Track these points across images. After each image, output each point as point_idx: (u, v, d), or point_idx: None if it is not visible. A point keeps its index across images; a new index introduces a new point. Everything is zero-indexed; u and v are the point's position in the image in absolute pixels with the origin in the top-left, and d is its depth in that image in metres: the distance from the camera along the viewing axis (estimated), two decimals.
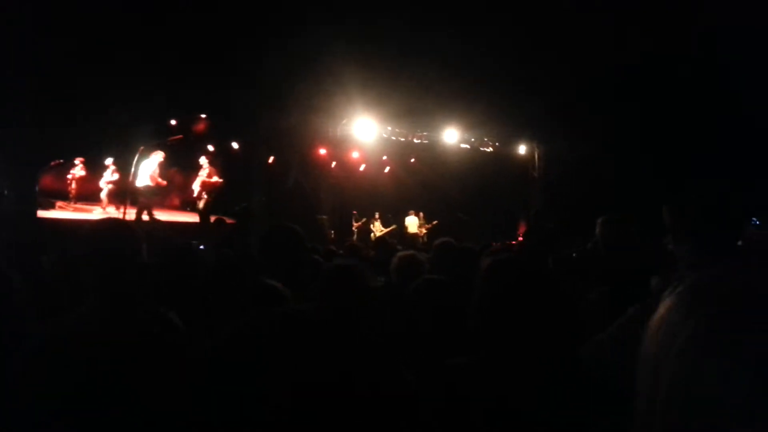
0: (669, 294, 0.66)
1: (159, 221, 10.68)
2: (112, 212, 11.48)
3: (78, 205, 12.18)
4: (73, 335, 1.56)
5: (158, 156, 10.64)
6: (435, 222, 15.38)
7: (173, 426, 1.49)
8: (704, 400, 0.54)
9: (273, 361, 1.23)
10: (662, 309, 0.65)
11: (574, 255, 3.41)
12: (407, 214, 15.59)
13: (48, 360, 1.50)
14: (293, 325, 1.29)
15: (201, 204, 11.75)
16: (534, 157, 17.51)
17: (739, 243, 1.59)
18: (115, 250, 1.65)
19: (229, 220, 9.67)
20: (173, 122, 12.93)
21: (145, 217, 10.42)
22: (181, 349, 1.71)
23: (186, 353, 1.69)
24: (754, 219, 9.22)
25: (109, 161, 12.06)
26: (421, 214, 15.77)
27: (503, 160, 17.15)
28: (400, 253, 3.33)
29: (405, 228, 15.33)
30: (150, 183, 10.42)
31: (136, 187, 10.35)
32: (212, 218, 10.42)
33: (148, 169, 10.45)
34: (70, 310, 1.65)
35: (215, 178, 11.88)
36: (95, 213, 11.71)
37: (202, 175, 11.81)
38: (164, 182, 10.86)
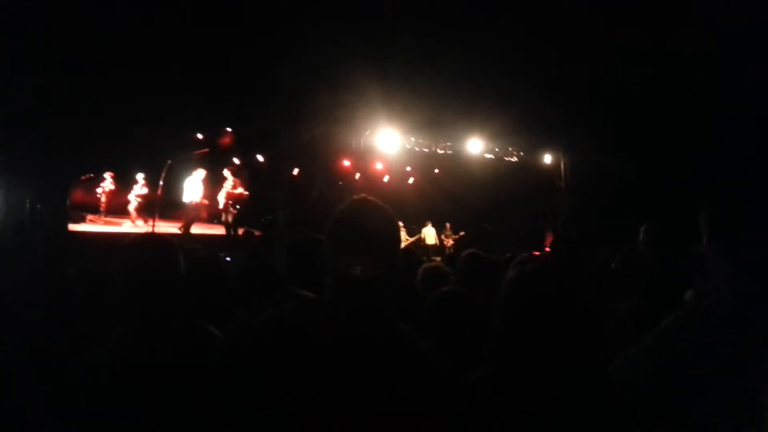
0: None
1: (190, 235, 10.86)
2: (141, 225, 11.67)
3: (108, 219, 12.41)
4: (115, 360, 1.57)
5: (201, 173, 10.91)
6: (462, 233, 15.30)
7: None
8: None
9: (289, 365, 1.21)
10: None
11: (612, 266, 3.33)
12: (424, 225, 15.50)
13: (93, 388, 1.51)
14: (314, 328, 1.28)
15: (227, 217, 11.90)
16: (560, 166, 17.32)
17: None
18: (155, 266, 1.66)
19: (257, 233, 9.75)
20: (200, 136, 13.12)
21: (179, 230, 10.64)
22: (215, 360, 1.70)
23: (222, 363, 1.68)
24: None
25: (139, 176, 12.31)
26: (448, 225, 15.71)
27: (528, 170, 17.00)
28: (425, 265, 3.31)
29: (423, 239, 15.24)
30: (195, 200, 10.70)
31: (183, 202, 10.62)
32: (240, 231, 10.54)
33: (193, 186, 10.73)
34: (97, 326, 1.66)
35: (240, 190, 12.03)
36: (124, 226, 11.93)
37: (227, 187, 11.97)
38: (207, 201, 11.13)
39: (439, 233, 15.77)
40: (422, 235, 15.41)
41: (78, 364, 1.58)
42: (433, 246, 15.14)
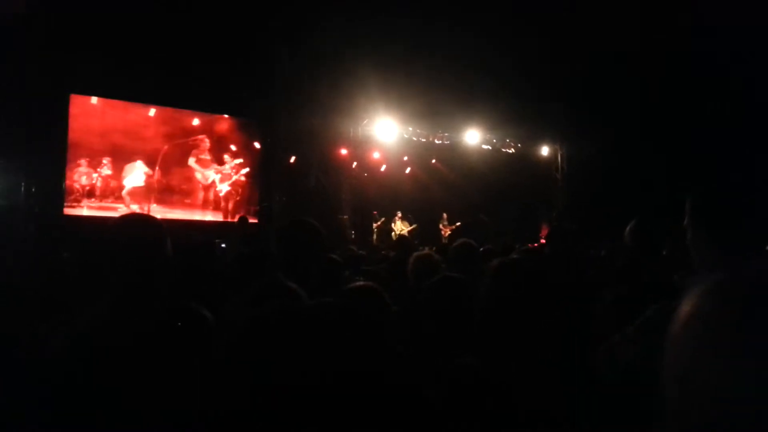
0: (698, 290, 0.62)
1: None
2: (136, 210, 11.66)
3: (103, 203, 12.38)
4: (91, 335, 1.57)
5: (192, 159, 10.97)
6: (458, 224, 15.28)
7: (192, 418, 1.49)
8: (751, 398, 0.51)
9: (280, 356, 1.23)
10: (690, 305, 0.62)
11: (602, 253, 3.34)
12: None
13: (70, 360, 1.51)
14: (298, 320, 1.29)
15: (223, 203, 11.94)
16: (557, 158, 17.34)
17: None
18: (138, 243, 1.65)
19: (252, 219, 9.75)
20: (197, 122, 13.08)
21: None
22: (204, 340, 1.70)
23: (209, 346, 1.69)
24: None
25: (137, 162, 12.28)
26: (445, 215, 15.69)
27: (525, 162, 17.00)
28: (416, 254, 3.32)
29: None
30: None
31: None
32: (236, 217, 10.55)
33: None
34: (87, 306, 1.66)
35: (235, 178, 12.07)
36: (120, 211, 11.91)
37: (224, 174, 12.01)
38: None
39: (436, 223, 15.74)
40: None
41: (56, 336, 1.58)
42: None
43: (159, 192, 12.30)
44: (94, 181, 12.34)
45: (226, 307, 2.20)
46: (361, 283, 1.93)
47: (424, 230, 15.19)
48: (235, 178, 12.76)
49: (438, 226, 15.66)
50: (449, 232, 15.29)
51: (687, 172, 10.78)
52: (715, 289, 0.58)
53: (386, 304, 1.83)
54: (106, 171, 12.34)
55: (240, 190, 13.32)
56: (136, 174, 12.17)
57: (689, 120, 12.21)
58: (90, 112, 11.60)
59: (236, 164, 13.17)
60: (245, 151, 13.59)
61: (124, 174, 12.04)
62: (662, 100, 12.17)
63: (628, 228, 2.47)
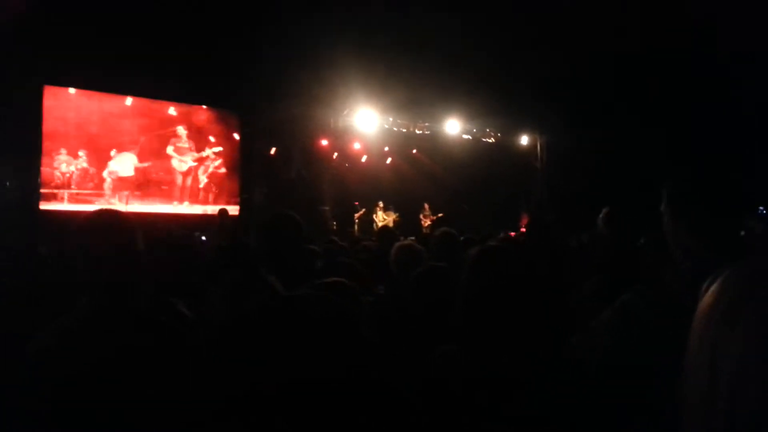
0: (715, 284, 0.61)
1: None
2: (116, 203, 11.52)
3: (81, 195, 12.20)
4: (72, 335, 1.55)
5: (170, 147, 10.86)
6: (440, 215, 15.32)
7: (176, 416, 1.49)
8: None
9: (266, 353, 1.23)
10: (713, 294, 0.61)
11: (584, 240, 3.38)
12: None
13: (51, 363, 1.49)
14: (280, 316, 1.29)
15: (202, 194, 11.88)
16: (536, 147, 17.46)
17: (742, 233, 1.55)
18: (108, 241, 1.63)
19: (232, 212, 9.70)
20: (174, 112, 12.93)
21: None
22: (181, 338, 1.70)
23: (187, 342, 1.68)
24: (762, 208, 8.98)
25: (113, 153, 12.10)
26: (426, 205, 15.72)
27: (505, 151, 17.10)
28: (398, 244, 3.33)
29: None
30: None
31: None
32: (216, 209, 10.49)
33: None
34: (66, 303, 1.64)
35: (212, 169, 12.03)
36: (98, 204, 11.75)
37: (204, 166, 11.94)
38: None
39: (417, 213, 15.77)
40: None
41: (36, 338, 1.56)
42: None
43: (138, 183, 12.18)
44: (70, 174, 12.16)
45: (206, 300, 2.19)
46: (331, 279, 1.94)
47: (405, 221, 15.22)
48: (214, 165, 12.72)
49: (419, 216, 15.70)
50: (429, 223, 15.32)
51: (663, 161, 10.94)
52: (737, 276, 0.59)
53: (357, 296, 1.85)
54: (83, 164, 12.17)
55: (219, 181, 13.22)
56: (125, 164, 12.07)
57: (667, 110, 12.38)
58: (65, 103, 11.40)
59: (216, 152, 13.09)
60: (225, 142, 13.48)
61: (112, 163, 11.90)
62: (641, 91, 12.31)
63: (600, 216, 2.50)
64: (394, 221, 14.53)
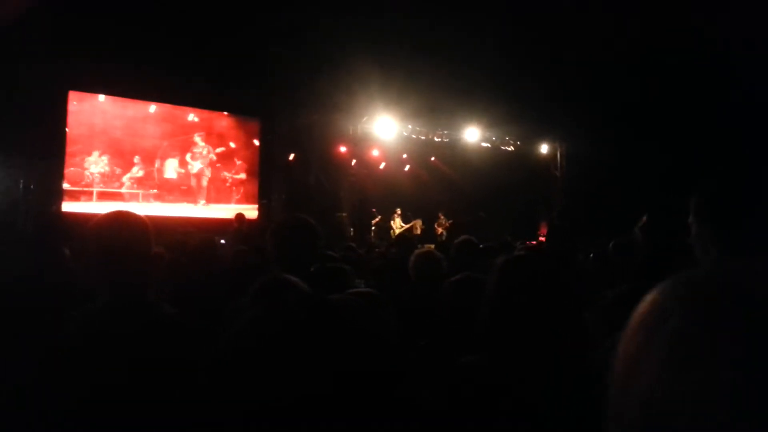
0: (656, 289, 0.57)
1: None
2: (134, 207, 11.68)
3: (103, 200, 12.38)
4: (82, 334, 1.55)
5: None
6: (450, 221, 15.27)
7: (182, 421, 1.48)
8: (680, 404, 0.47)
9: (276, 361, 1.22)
10: (646, 304, 0.57)
11: (611, 248, 3.28)
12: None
13: (59, 361, 1.49)
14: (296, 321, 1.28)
15: (230, 198, 12.11)
16: (556, 156, 17.35)
17: None
18: (121, 242, 1.63)
19: (250, 217, 9.76)
20: (196, 119, 13.09)
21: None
22: (189, 342, 1.68)
23: (194, 347, 1.66)
24: None
25: (136, 159, 12.30)
26: (441, 214, 15.69)
27: (525, 159, 17.02)
28: (417, 251, 3.32)
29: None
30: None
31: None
32: (235, 214, 10.57)
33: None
34: (85, 303, 1.64)
35: (231, 174, 12.21)
36: (120, 206, 11.92)
37: (209, 158, 12.32)
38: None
39: (434, 222, 15.73)
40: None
41: (46, 336, 1.57)
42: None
43: (159, 188, 12.40)
44: (93, 178, 12.36)
45: (228, 308, 2.19)
46: (360, 290, 1.93)
47: (424, 228, 15.23)
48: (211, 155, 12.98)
49: (434, 225, 15.65)
50: (441, 231, 15.26)
51: (686, 170, 10.79)
52: (675, 286, 0.54)
53: (389, 307, 1.83)
54: (105, 168, 12.36)
55: (239, 187, 13.37)
56: (169, 169, 12.52)
57: (688, 117, 12.22)
58: (89, 108, 11.60)
59: (218, 152, 13.29)
60: (245, 148, 13.60)
61: (160, 167, 12.40)
62: (661, 98, 12.17)
63: (638, 225, 2.45)
64: (414, 227, 14.54)
